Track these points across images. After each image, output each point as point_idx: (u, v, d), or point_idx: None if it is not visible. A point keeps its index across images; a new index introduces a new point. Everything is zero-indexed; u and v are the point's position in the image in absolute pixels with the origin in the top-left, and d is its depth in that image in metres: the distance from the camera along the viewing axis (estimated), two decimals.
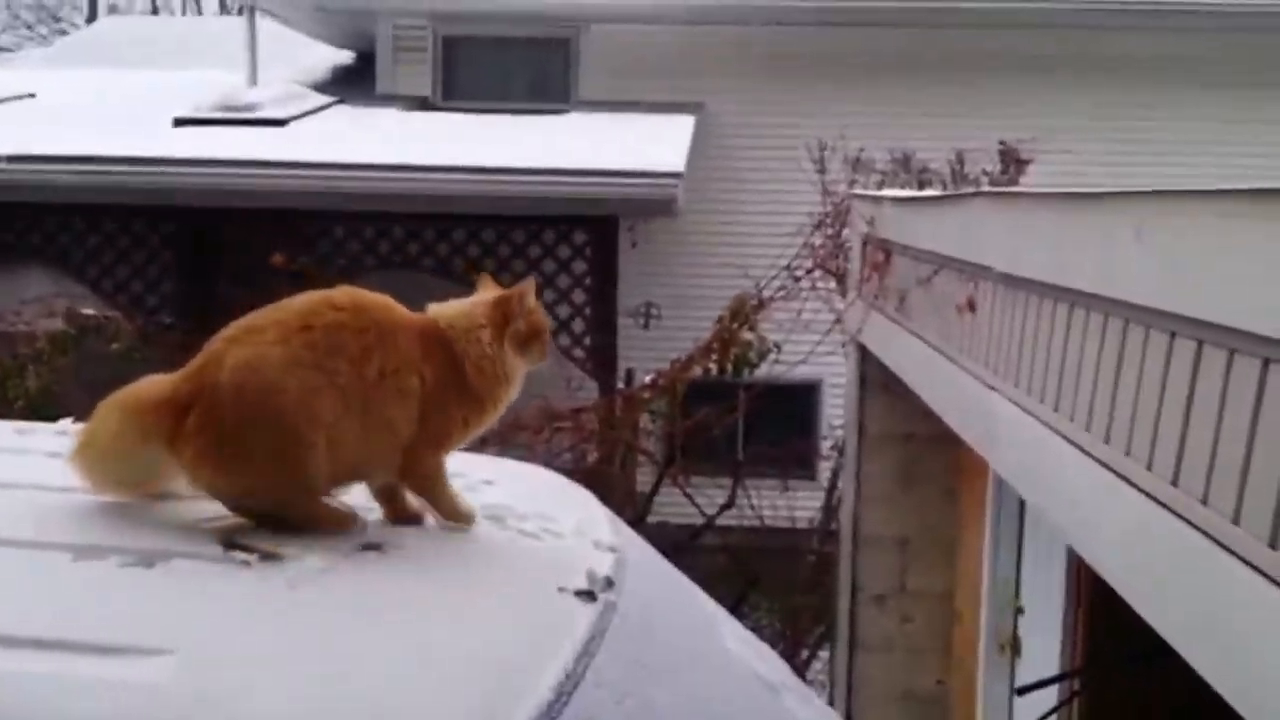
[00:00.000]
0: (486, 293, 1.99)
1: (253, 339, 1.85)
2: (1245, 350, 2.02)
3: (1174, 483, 2.25)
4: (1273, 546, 1.91)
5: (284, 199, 9.30)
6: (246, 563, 1.68)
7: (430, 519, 1.96)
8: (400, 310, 1.91)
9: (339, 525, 1.85)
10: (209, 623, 1.53)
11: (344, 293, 1.86)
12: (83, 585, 1.65)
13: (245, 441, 1.76)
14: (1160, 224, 2.31)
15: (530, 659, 1.63)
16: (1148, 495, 2.34)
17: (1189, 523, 2.17)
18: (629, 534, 2.49)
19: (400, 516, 1.94)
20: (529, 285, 1.97)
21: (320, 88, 11.92)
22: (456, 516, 1.98)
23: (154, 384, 1.85)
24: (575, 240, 9.88)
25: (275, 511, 1.81)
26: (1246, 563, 1.97)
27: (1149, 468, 2.35)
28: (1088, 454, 2.67)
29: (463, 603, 1.73)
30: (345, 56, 13.50)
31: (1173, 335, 2.29)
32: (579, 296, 9.87)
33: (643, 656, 1.92)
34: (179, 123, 10.31)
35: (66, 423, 2.57)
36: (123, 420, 1.80)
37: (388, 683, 1.44)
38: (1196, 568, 2.12)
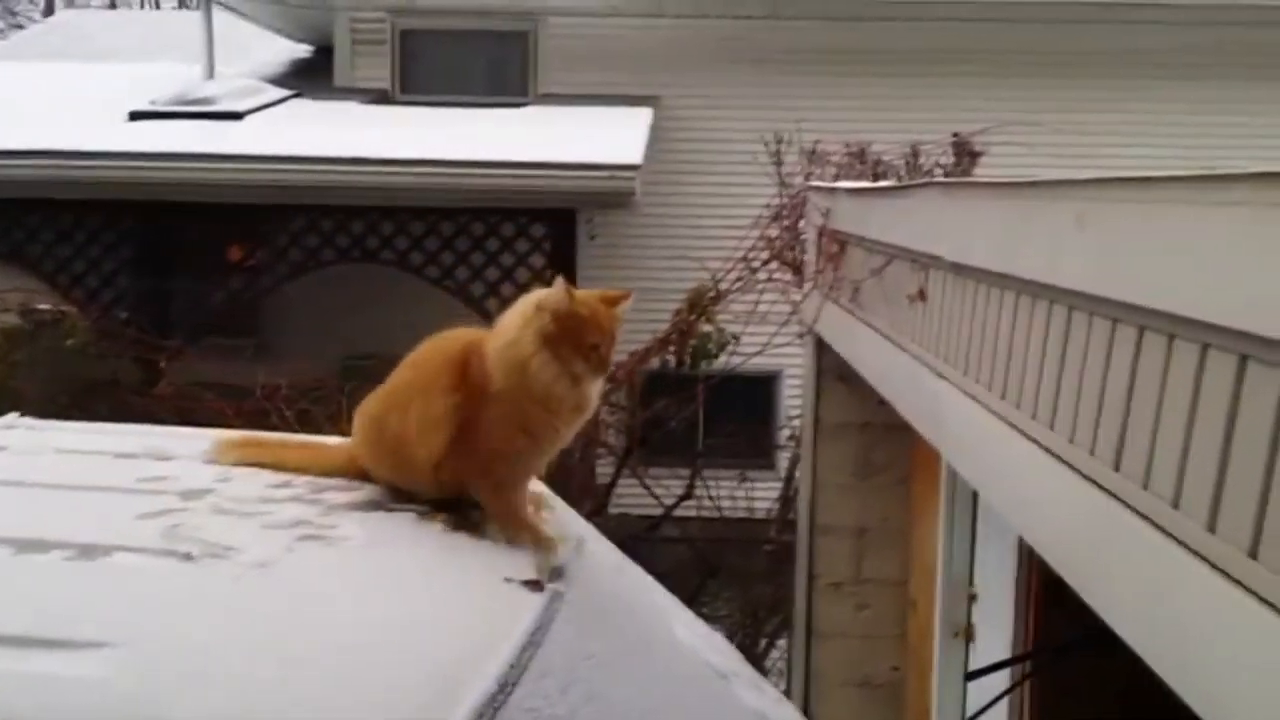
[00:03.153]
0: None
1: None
2: (1184, 336, 2.06)
3: (1116, 468, 2.28)
4: (1211, 530, 1.94)
5: (241, 193, 9.22)
6: (189, 556, 1.68)
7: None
8: (460, 342, 2.06)
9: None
10: (151, 616, 1.53)
11: (429, 343, 2.13)
12: (24, 579, 1.64)
13: None
14: (1100, 211, 2.35)
15: (474, 649, 1.64)
16: (1090, 481, 2.37)
17: (1130, 507, 2.20)
18: (581, 525, 2.50)
19: None
20: (558, 294, 1.99)
21: (278, 81, 11.82)
22: (503, 524, 1.99)
23: None
24: (533, 233, 9.86)
25: None
26: (1185, 546, 2.01)
27: (1091, 453, 2.38)
28: (1033, 440, 2.70)
29: (407, 594, 1.73)
30: (303, 50, 13.40)
31: (1114, 322, 2.33)
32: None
33: (590, 646, 1.93)
34: (135, 116, 10.19)
35: (12, 416, 2.54)
36: None
37: (329, 676, 1.45)
38: (1136, 552, 2.16)
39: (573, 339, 1.95)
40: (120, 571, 1.65)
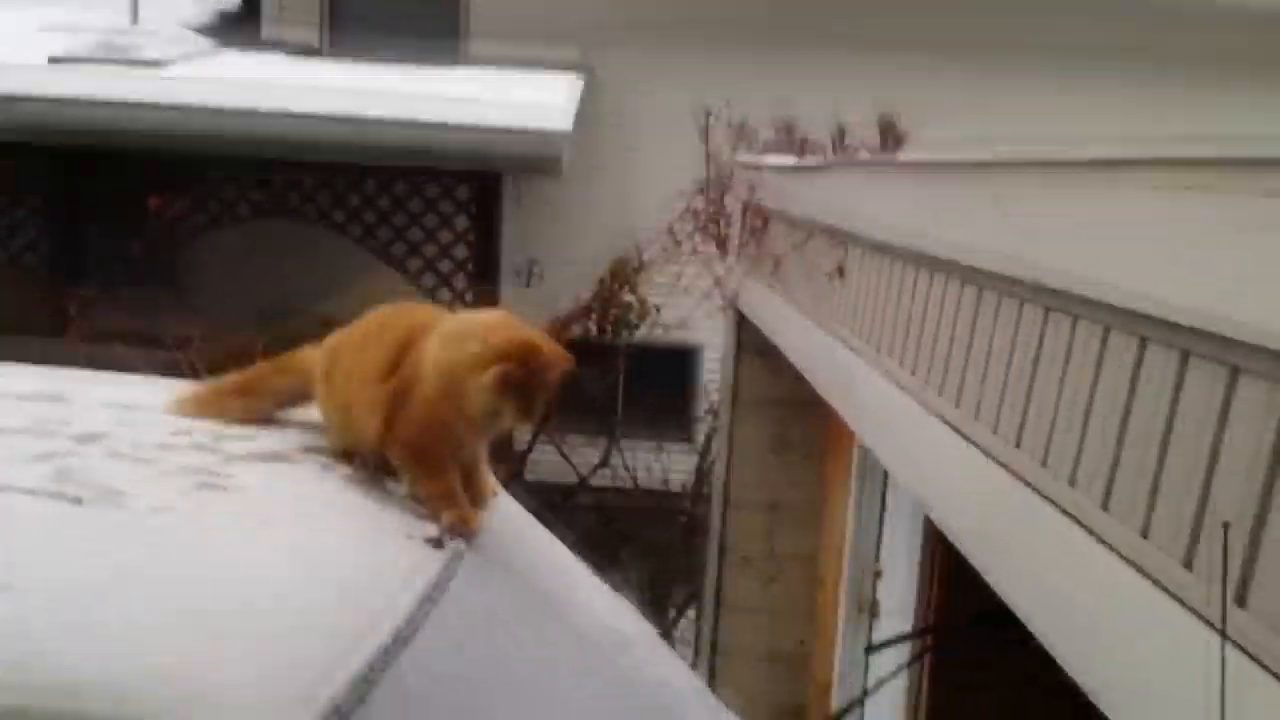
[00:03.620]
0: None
1: None
2: (1088, 317, 2.09)
3: (1017, 445, 2.32)
4: (1105, 509, 1.99)
5: (160, 141, 8.98)
6: (79, 500, 1.64)
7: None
8: (411, 321, 2.03)
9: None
10: (37, 560, 1.49)
11: (389, 310, 2.12)
12: None
13: None
14: (1014, 194, 2.38)
15: (371, 604, 1.62)
16: (993, 458, 2.41)
17: (1029, 485, 2.24)
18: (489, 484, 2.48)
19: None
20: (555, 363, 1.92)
21: (203, 32, 11.53)
22: (429, 508, 1.96)
23: None
24: (459, 195, 9.76)
25: None
26: (1080, 524, 2.05)
27: (995, 431, 2.42)
28: (940, 417, 2.74)
29: (304, 546, 1.70)
30: (230, 1, 13.08)
31: (1022, 302, 2.36)
32: (460, 252, 9.76)
33: (489, 605, 1.92)
34: (54, 61, 9.88)
35: None
36: None
37: (218, 626, 1.42)
38: (1034, 528, 2.20)
39: (525, 393, 1.89)
40: (7, 513, 1.60)
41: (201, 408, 2.14)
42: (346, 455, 2.04)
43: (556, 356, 1.93)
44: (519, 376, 1.86)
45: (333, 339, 2.13)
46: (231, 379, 2.25)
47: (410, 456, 1.96)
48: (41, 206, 9.75)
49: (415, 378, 1.94)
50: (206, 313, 7.89)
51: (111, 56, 10.09)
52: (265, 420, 2.15)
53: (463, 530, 1.93)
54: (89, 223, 9.90)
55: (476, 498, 2.06)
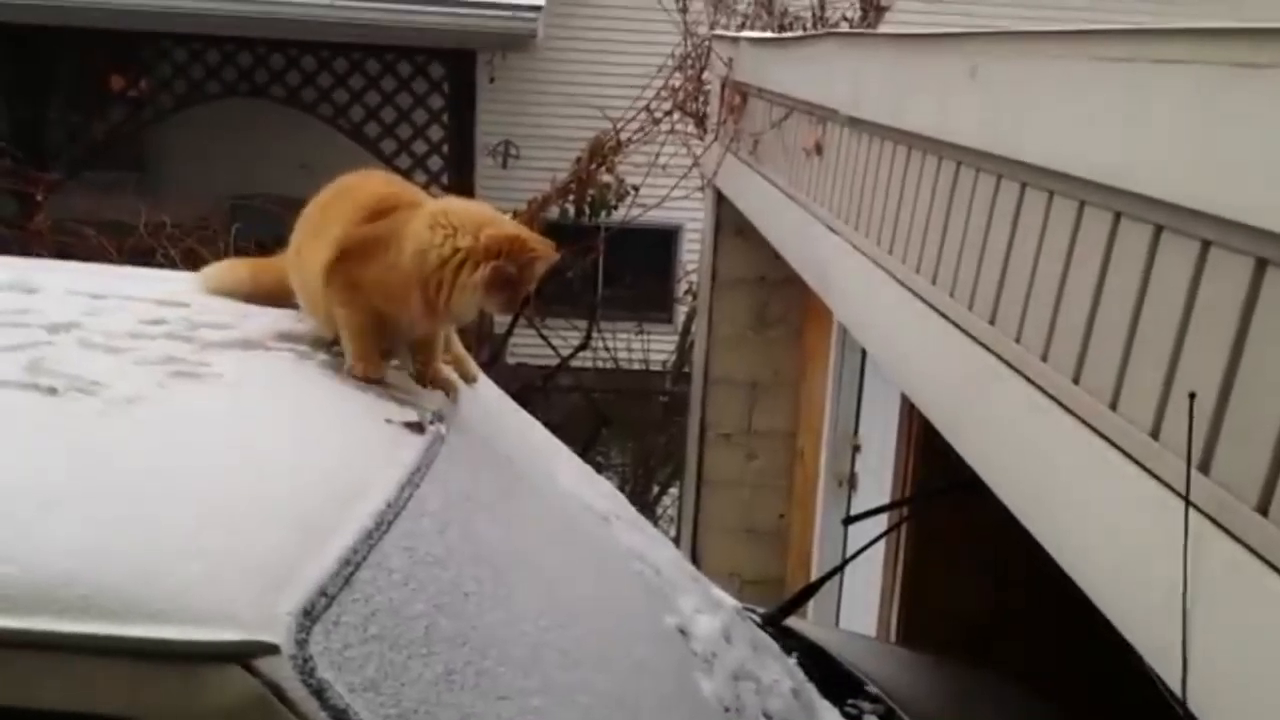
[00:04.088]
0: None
1: None
2: (1063, 192, 2.09)
3: (991, 321, 2.33)
4: (1076, 381, 2.01)
5: (119, 18, 8.72)
6: (52, 390, 1.63)
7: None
8: (381, 187, 2.06)
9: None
10: (8, 449, 1.49)
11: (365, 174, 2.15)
12: None
13: None
14: (993, 65, 2.35)
15: (351, 488, 1.64)
16: (967, 334, 2.43)
17: (1003, 360, 2.26)
18: (467, 369, 2.48)
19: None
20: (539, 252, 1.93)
21: None
22: (351, 360, 1.98)
23: None
24: (432, 74, 9.58)
25: None
26: (1052, 397, 2.07)
27: (970, 307, 2.43)
28: (915, 294, 2.75)
29: (281, 432, 1.71)
30: None
31: (999, 178, 2.35)
32: (435, 133, 9.63)
33: (469, 488, 1.94)
34: None
35: None
36: None
37: (193, 512, 1.43)
38: (1006, 402, 2.22)
39: (513, 289, 1.92)
40: None
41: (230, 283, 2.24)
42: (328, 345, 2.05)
43: (545, 250, 1.95)
44: (509, 274, 1.89)
45: (303, 211, 2.14)
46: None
47: (348, 292, 1.97)
48: (1, 87, 9.53)
49: (387, 242, 1.94)
50: (176, 197, 7.78)
51: None
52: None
53: (361, 374, 1.96)
54: (50, 104, 9.68)
55: (442, 377, 2.11)
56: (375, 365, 1.98)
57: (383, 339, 2.02)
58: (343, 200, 2.06)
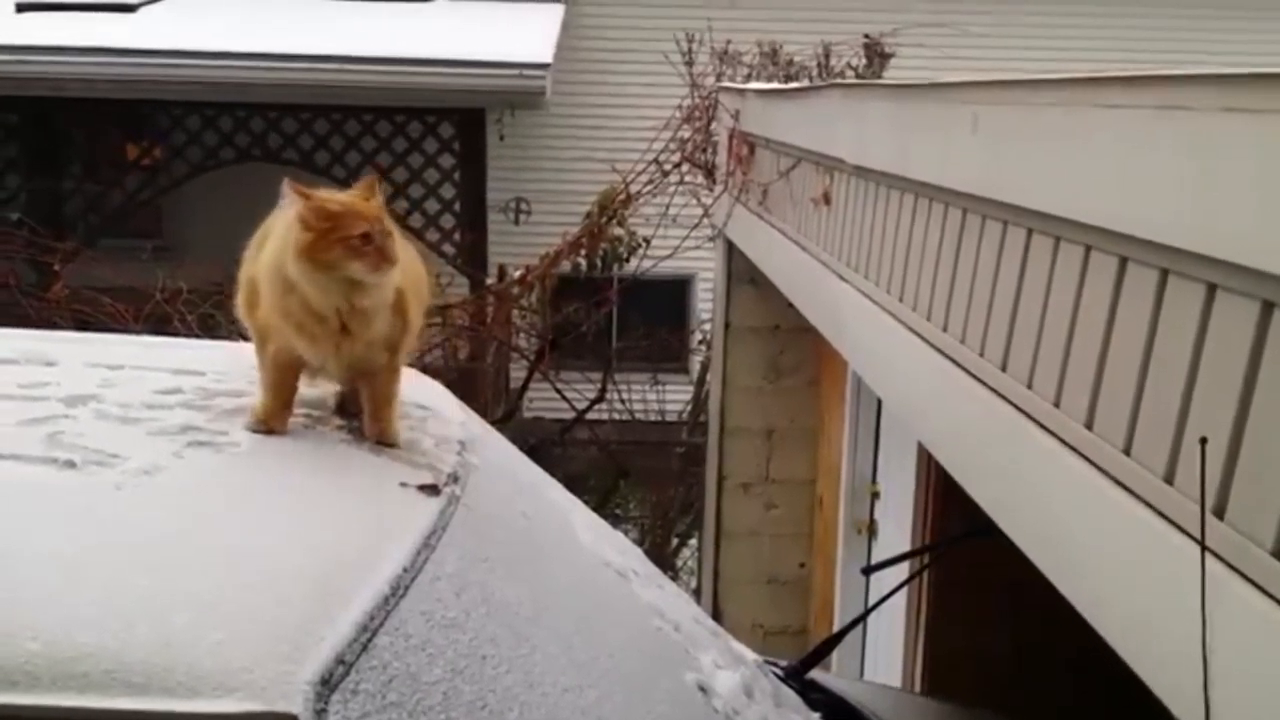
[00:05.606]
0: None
1: None
2: (1069, 238, 2.10)
3: (1003, 368, 2.34)
4: (1089, 427, 2.01)
5: (136, 89, 8.89)
6: (71, 463, 1.65)
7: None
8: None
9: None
10: (29, 525, 1.50)
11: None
12: None
13: None
14: (994, 113, 2.37)
15: (367, 554, 1.64)
16: (980, 380, 2.43)
17: (1015, 406, 2.26)
18: (483, 429, 2.50)
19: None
20: (316, 192, 1.81)
21: None
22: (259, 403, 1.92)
23: None
24: (442, 133, 9.69)
25: None
26: (1065, 443, 2.07)
27: (981, 354, 2.44)
28: (927, 342, 2.76)
29: (298, 499, 1.72)
30: None
31: (1005, 224, 2.36)
32: (447, 191, 9.72)
33: (485, 550, 1.95)
34: (21, 8, 9.74)
35: None
36: None
37: (212, 582, 1.44)
38: (1020, 449, 2.22)
39: (338, 240, 1.76)
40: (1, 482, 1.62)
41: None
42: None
43: (342, 195, 1.83)
44: (314, 234, 1.75)
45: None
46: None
47: (258, 334, 1.93)
48: (19, 158, 9.67)
49: (272, 259, 1.85)
50: (193, 263, 7.86)
51: (80, 2, 9.94)
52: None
53: (257, 426, 1.87)
54: (68, 174, 9.83)
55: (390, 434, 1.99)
56: (275, 415, 1.90)
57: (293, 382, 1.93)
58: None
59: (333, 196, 1.83)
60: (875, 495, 5.72)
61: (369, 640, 1.46)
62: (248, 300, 1.96)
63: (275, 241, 1.86)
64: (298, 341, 1.86)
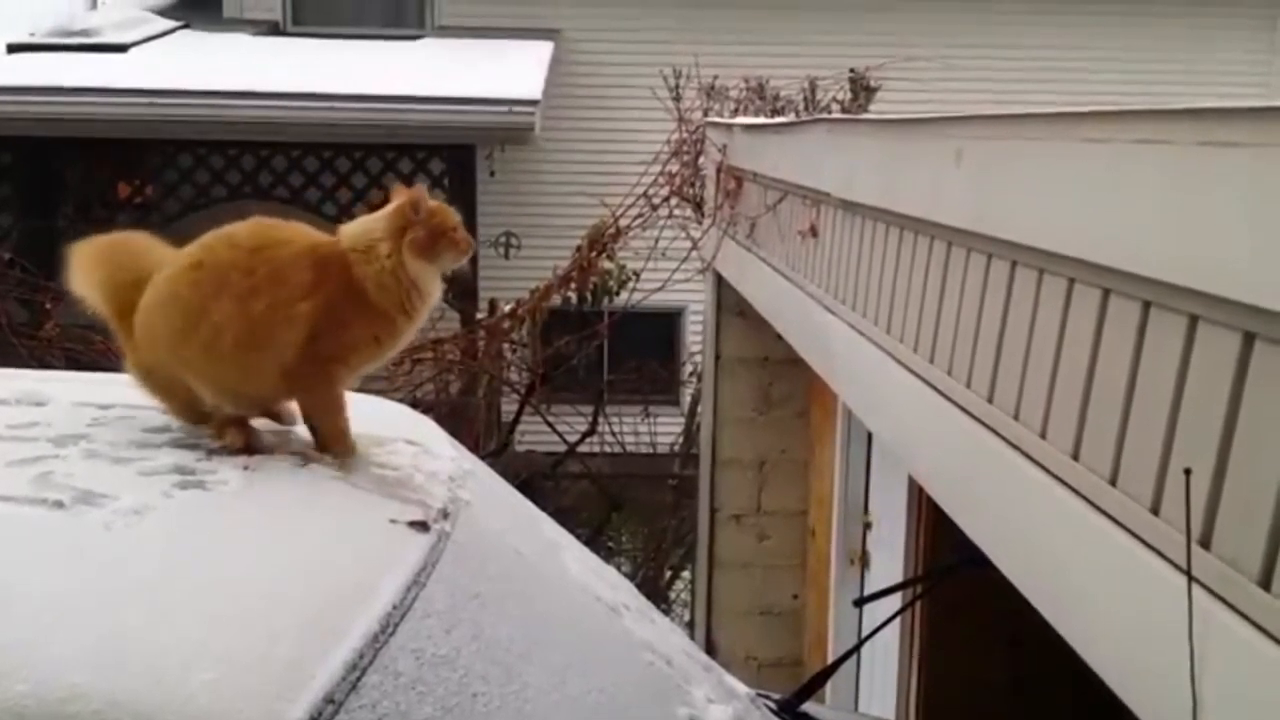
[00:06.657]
0: (392, 205, 2.04)
1: (161, 274, 1.94)
2: (1053, 271, 2.12)
3: (990, 399, 2.35)
4: (1075, 458, 2.02)
5: (127, 128, 8.93)
6: (60, 504, 1.65)
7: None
8: (304, 239, 1.99)
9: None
10: (18, 566, 1.50)
11: (248, 228, 1.96)
12: None
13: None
14: (978, 147, 2.39)
15: (356, 591, 1.64)
16: (966, 412, 2.45)
17: (1002, 438, 2.28)
18: (473, 464, 2.50)
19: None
20: (419, 190, 2.05)
21: (163, 12, 11.42)
22: (333, 443, 1.98)
23: None
24: (432, 169, 9.73)
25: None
26: (1052, 474, 2.08)
27: (968, 386, 2.45)
28: (914, 373, 2.77)
29: (288, 538, 1.72)
30: None
31: (989, 257, 2.39)
32: None
33: (476, 586, 1.95)
34: (13, 49, 9.78)
35: None
36: None
37: (202, 622, 1.44)
38: (1007, 479, 2.23)
39: (439, 233, 2.01)
40: None
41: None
42: (203, 417, 1.97)
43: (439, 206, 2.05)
44: (426, 230, 2.00)
45: (174, 283, 1.91)
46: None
47: (326, 380, 1.95)
48: (10, 198, 9.68)
49: (345, 294, 1.93)
50: None
51: (72, 42, 9.99)
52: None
53: (342, 451, 1.96)
54: (59, 213, 9.84)
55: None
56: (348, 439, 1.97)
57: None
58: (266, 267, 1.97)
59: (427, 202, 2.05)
60: (867, 525, 5.72)
61: (358, 679, 1.46)
62: (319, 335, 1.91)
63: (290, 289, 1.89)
64: (382, 345, 1.98)
